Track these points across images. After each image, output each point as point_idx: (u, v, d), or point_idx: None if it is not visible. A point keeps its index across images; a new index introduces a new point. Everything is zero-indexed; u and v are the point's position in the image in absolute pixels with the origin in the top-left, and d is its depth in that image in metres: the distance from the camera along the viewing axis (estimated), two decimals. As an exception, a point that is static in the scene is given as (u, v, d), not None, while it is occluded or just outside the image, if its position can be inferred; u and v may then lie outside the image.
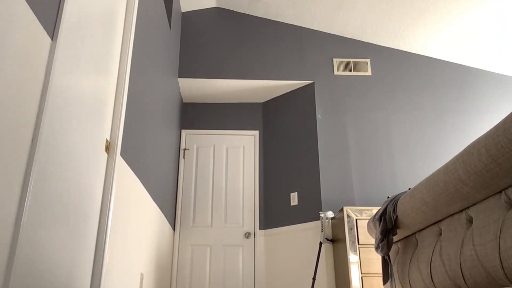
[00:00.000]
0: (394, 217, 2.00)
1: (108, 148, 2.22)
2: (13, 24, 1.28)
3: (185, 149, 4.95)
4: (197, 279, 4.46)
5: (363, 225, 3.59)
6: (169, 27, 4.03)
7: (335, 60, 4.93)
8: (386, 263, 2.14)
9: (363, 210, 3.68)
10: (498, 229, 1.24)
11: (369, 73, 4.89)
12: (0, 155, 1.22)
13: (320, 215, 4.05)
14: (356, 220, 3.61)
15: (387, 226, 2.05)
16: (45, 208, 1.52)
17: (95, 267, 2.03)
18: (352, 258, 3.49)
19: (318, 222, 4.18)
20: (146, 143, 3.07)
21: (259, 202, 4.76)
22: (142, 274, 3.00)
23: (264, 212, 4.72)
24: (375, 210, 3.63)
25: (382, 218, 2.10)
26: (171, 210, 4.41)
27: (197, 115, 5.12)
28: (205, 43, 4.94)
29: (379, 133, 4.61)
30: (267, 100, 5.19)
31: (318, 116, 4.63)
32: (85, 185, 1.91)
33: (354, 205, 4.26)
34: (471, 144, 1.37)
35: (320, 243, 3.91)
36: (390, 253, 2.24)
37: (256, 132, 5.05)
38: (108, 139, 2.23)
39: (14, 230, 1.30)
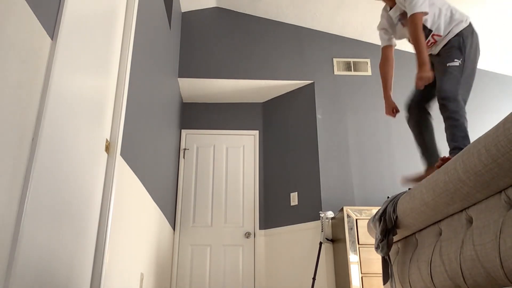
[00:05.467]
0: (394, 217, 2.00)
1: (108, 148, 2.22)
2: (13, 24, 1.28)
3: (185, 149, 4.95)
4: (197, 279, 4.46)
5: (363, 225, 3.59)
6: (169, 27, 4.03)
7: (335, 60, 4.93)
8: (386, 263, 2.14)
9: (363, 210, 3.68)
10: (498, 229, 1.24)
11: (369, 73, 4.89)
12: (0, 155, 1.22)
13: (320, 215, 4.04)
14: (356, 220, 3.61)
15: (387, 226, 2.05)
16: (45, 208, 1.52)
17: (95, 267, 2.03)
18: (352, 258, 3.49)
19: (318, 222, 4.18)
20: (146, 143, 3.07)
21: (259, 202, 4.76)
22: (142, 274, 3.00)
23: (264, 212, 4.72)
24: (375, 210, 3.63)
25: (382, 218, 2.10)
26: (171, 210, 4.41)
27: (197, 115, 5.11)
28: (205, 43, 4.94)
29: (379, 133, 4.61)
30: (267, 100, 5.19)
31: (318, 116, 4.62)
32: (85, 185, 1.91)
33: (354, 205, 4.25)
34: (471, 144, 1.37)
35: (320, 243, 3.91)
36: (390, 253, 2.24)
37: (256, 132, 5.05)
38: (108, 139, 2.23)
39: (14, 230, 1.30)
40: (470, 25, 2.21)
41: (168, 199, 4.21)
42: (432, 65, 2.32)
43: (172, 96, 4.32)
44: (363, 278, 3.43)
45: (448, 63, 2.11)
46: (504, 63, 4.95)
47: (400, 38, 2.47)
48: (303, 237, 4.29)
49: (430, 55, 2.37)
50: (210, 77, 4.74)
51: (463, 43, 2.14)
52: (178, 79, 4.71)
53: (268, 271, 4.48)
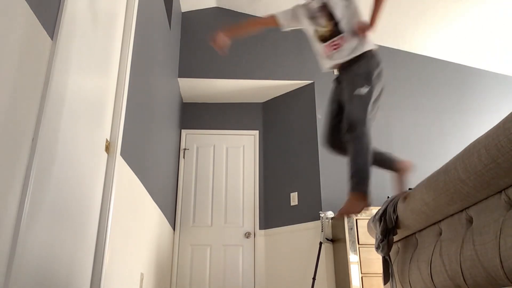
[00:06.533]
0: (394, 217, 2.00)
1: (108, 148, 2.22)
2: (13, 24, 1.28)
3: (185, 149, 4.95)
4: (197, 279, 4.46)
5: (363, 225, 3.59)
6: (169, 27, 4.03)
7: (335, 60, 4.93)
8: (386, 263, 2.14)
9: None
10: (498, 229, 1.24)
11: (369, 73, 4.88)
12: (0, 155, 1.22)
13: (320, 215, 4.04)
14: (356, 220, 3.61)
15: (388, 226, 2.05)
16: (45, 208, 1.52)
17: (95, 267, 2.03)
18: (352, 258, 3.48)
19: (318, 222, 4.18)
20: (146, 143, 3.07)
21: (259, 202, 4.75)
22: (142, 274, 3.00)
23: (264, 212, 4.72)
24: (375, 210, 3.62)
25: (382, 218, 2.10)
26: (171, 210, 4.40)
27: (197, 115, 5.11)
28: (205, 43, 4.93)
29: (379, 133, 4.60)
30: (267, 100, 5.18)
31: (318, 116, 4.62)
32: (85, 185, 1.91)
33: (354, 205, 4.25)
34: (471, 144, 1.37)
35: (320, 243, 3.91)
36: (390, 253, 2.24)
37: (256, 132, 5.05)
38: (108, 139, 2.23)
39: (14, 230, 1.30)
40: (374, 50, 2.22)
41: (168, 199, 4.21)
42: (339, 83, 2.30)
43: (172, 96, 4.32)
44: (363, 278, 3.43)
45: (354, 91, 2.11)
46: (504, 63, 4.94)
47: (299, 27, 2.44)
48: (303, 237, 4.29)
49: (337, 68, 2.32)
50: (210, 77, 4.74)
51: (369, 71, 2.14)
52: (178, 79, 4.71)
53: (268, 271, 4.48)
